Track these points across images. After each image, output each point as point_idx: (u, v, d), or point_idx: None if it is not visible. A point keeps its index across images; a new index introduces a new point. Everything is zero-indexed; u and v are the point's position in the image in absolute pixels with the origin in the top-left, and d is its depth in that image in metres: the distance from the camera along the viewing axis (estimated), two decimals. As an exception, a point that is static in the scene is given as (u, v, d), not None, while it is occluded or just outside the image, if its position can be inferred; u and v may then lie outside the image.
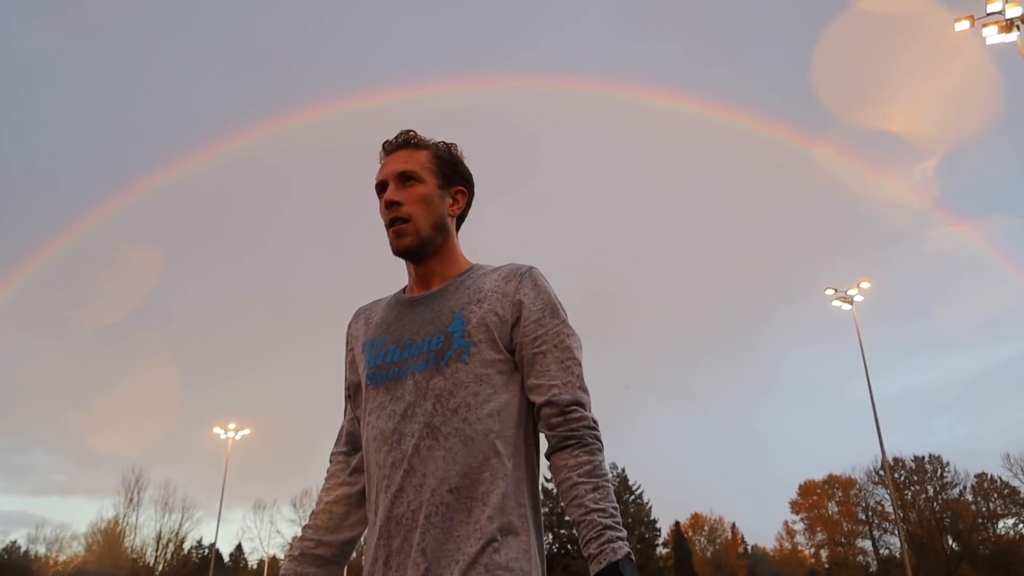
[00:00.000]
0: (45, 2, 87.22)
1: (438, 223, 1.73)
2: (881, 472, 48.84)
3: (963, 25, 15.27)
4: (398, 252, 1.73)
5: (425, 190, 1.73)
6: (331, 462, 1.84)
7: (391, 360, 1.66)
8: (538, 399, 1.61)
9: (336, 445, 1.85)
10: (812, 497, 55.26)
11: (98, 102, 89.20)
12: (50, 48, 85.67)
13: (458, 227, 1.84)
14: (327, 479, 1.82)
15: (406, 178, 1.73)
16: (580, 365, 1.65)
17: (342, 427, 1.86)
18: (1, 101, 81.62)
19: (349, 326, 1.89)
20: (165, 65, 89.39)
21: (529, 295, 1.66)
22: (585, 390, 1.63)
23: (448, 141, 1.83)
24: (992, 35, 14.97)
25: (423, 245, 1.71)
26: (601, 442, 1.60)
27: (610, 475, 1.59)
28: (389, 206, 1.71)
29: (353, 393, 1.82)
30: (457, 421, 1.55)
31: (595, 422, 1.61)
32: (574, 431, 1.57)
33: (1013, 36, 14.83)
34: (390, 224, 1.71)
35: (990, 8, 14.83)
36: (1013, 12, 14.71)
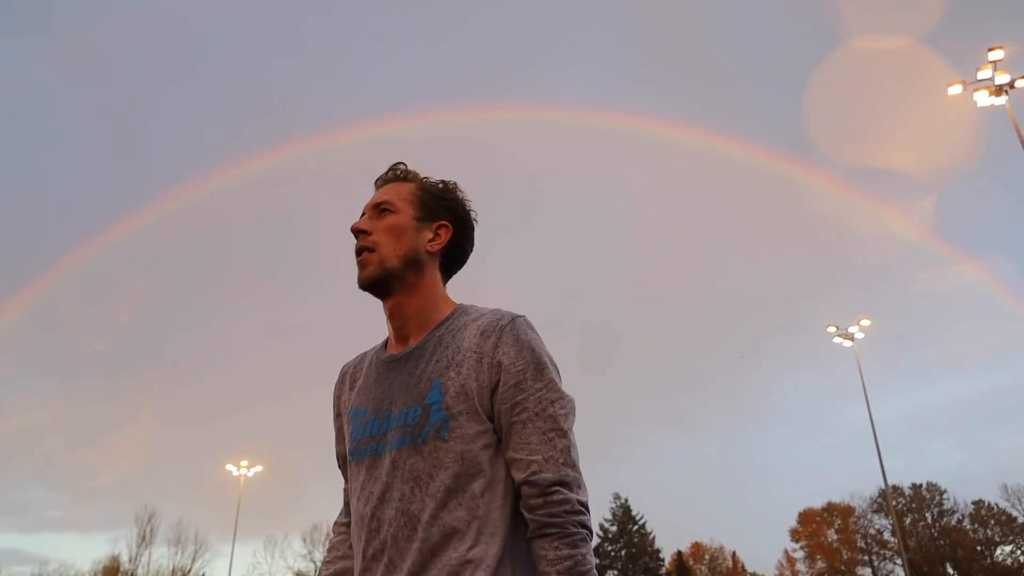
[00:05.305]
0: (46, 36, 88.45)
1: (409, 256, 1.59)
2: (880, 500, 49.59)
3: (956, 89, 16.43)
4: (361, 285, 1.59)
5: (396, 220, 1.61)
6: (333, 532, 1.75)
7: (370, 434, 1.52)
8: (517, 476, 1.44)
9: (340, 515, 1.76)
10: (811, 525, 55.69)
11: (100, 135, 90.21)
12: (50, 82, 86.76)
13: (449, 269, 1.69)
14: (328, 551, 1.73)
15: (381, 209, 1.63)
16: (567, 436, 1.46)
17: (345, 495, 1.74)
18: (1, 135, 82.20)
19: (335, 388, 1.75)
20: (165, 97, 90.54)
21: (509, 353, 1.48)
22: (572, 466, 1.44)
23: (448, 180, 1.71)
24: (983, 99, 16.12)
25: (388, 278, 1.58)
26: (588, 529, 1.41)
27: (593, 566, 1.39)
28: (356, 235, 1.61)
29: (342, 465, 1.69)
30: (436, 508, 1.40)
31: (582, 505, 1.42)
32: (555, 517, 1.39)
33: (1002, 100, 15.99)
34: (356, 254, 1.61)
35: (980, 75, 16.03)
36: (1002, 79, 15.92)
